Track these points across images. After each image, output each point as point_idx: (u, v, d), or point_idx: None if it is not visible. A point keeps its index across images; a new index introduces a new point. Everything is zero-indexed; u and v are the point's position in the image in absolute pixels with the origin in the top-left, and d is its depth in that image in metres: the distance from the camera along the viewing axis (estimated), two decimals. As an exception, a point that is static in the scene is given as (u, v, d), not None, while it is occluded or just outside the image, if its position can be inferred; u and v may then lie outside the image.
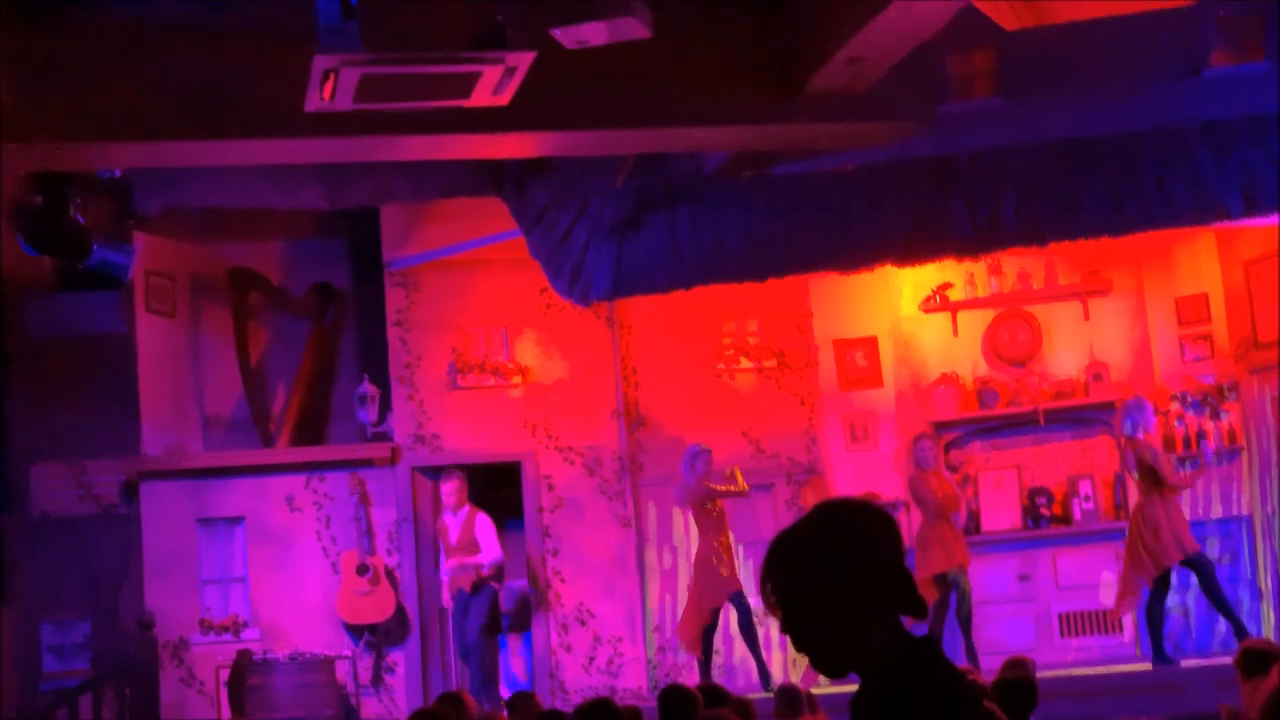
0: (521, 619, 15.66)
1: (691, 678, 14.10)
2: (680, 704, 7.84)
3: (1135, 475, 13.13)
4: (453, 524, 14.44)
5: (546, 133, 11.12)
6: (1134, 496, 13.73)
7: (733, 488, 13.97)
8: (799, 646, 3.19)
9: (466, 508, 14.45)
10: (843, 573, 3.12)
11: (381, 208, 15.05)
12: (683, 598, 15.00)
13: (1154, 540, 12.77)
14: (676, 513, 14.92)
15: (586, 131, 11.19)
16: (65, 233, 11.71)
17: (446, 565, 14.40)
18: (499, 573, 14.44)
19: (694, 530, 14.15)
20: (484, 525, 14.39)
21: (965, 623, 13.53)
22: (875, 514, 3.23)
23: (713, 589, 13.65)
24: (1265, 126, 11.93)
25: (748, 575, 14.85)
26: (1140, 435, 13.06)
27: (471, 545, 14.29)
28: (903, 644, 3.14)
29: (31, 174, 11.17)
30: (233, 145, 10.75)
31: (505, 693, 13.75)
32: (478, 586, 14.24)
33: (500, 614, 14.92)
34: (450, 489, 14.45)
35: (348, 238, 16.30)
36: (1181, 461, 14.15)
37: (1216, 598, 12.75)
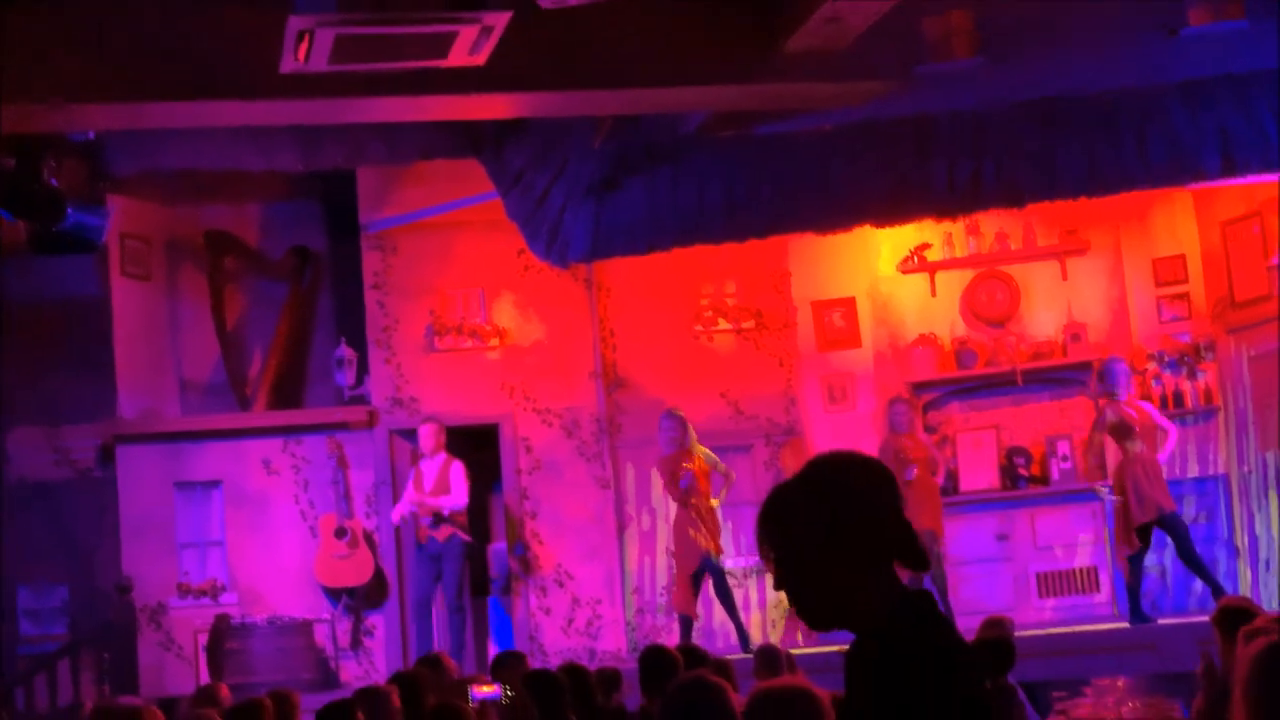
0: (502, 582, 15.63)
1: (671, 640, 14.11)
2: (660, 665, 7.85)
3: (1112, 437, 13.14)
4: (428, 469, 14.31)
5: (524, 94, 11.07)
6: (1113, 452, 13.79)
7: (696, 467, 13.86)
8: (793, 604, 3.18)
9: (443, 454, 14.35)
10: (834, 530, 3.10)
11: (358, 170, 14.98)
12: (662, 560, 15.02)
13: (1125, 502, 12.80)
14: (655, 474, 14.91)
15: (564, 92, 11.14)
16: (39, 196, 11.64)
17: (406, 498, 14.30)
18: (468, 527, 14.32)
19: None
20: (458, 472, 14.28)
21: (941, 588, 13.53)
22: (869, 468, 3.22)
23: (686, 554, 13.61)
24: (1243, 86, 11.92)
25: (727, 538, 14.86)
26: (1124, 396, 13.06)
27: (443, 491, 14.21)
28: (898, 602, 3.13)
29: (4, 137, 11.09)
30: (207, 107, 10.69)
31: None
32: (449, 539, 14.13)
33: (488, 576, 14.90)
34: (429, 432, 14.36)
35: (324, 200, 16.22)
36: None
37: (1191, 559, 12.77)
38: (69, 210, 11.84)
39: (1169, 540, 13.13)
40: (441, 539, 14.13)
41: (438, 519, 14.14)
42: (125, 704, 7.81)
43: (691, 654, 8.44)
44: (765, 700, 3.86)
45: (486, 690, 6.79)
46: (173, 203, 15.66)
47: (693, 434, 13.69)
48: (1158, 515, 12.66)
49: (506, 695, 6.65)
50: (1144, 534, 12.77)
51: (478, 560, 14.61)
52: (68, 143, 11.79)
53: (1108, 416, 12.95)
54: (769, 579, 15.10)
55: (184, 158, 12.75)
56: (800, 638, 15.05)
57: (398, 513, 14.41)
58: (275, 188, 15.67)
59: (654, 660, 8.10)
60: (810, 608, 3.16)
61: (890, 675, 3.06)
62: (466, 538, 14.29)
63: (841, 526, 3.10)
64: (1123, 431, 12.87)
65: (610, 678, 8.66)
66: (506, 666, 9.38)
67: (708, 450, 13.80)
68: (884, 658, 3.09)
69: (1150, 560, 14.24)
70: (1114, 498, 13.01)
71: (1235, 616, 7.56)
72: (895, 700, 3.04)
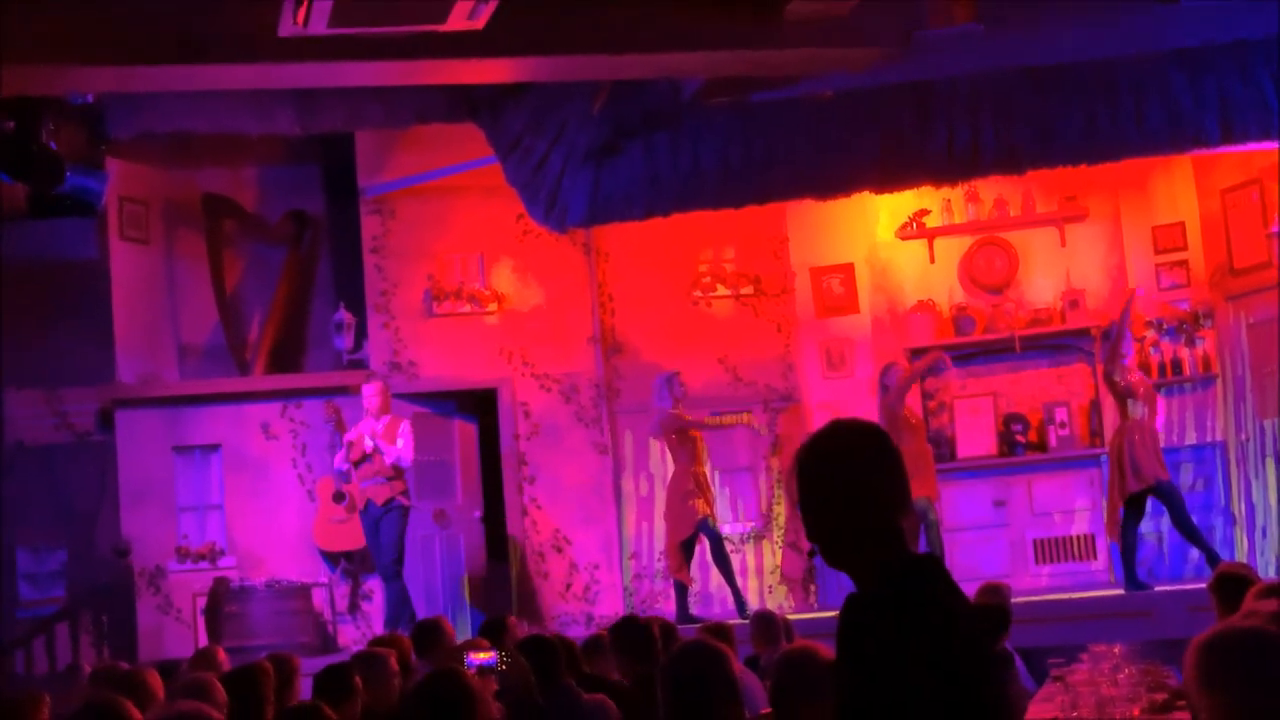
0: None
1: (668, 604, 14.16)
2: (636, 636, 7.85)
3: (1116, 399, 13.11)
4: (373, 430, 13.89)
5: (522, 58, 11.04)
6: (1110, 419, 13.80)
7: (709, 419, 13.92)
8: (819, 545, 3.39)
9: (389, 415, 14.01)
10: (848, 491, 3.32)
11: (356, 134, 14.97)
12: (659, 525, 15.04)
13: (1120, 467, 12.79)
14: (653, 440, 14.92)
15: (562, 57, 11.11)
16: (38, 159, 11.61)
17: (359, 476, 13.92)
18: (409, 493, 14.17)
19: (670, 457, 14.08)
20: (407, 428, 13.98)
21: (937, 554, 13.54)
22: (875, 438, 3.43)
23: (679, 520, 13.59)
24: (1243, 53, 11.90)
25: (724, 504, 14.90)
26: (1126, 361, 13.01)
27: (391, 444, 13.84)
28: (906, 563, 3.27)
29: (3, 99, 11.07)
30: (206, 70, 10.65)
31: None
32: (389, 504, 13.80)
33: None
34: (373, 390, 13.99)
35: (322, 164, 16.21)
36: (1156, 388, 14.18)
37: (1185, 527, 12.75)
38: (68, 173, 11.81)
39: (1164, 508, 13.14)
40: (380, 502, 13.76)
41: (390, 500, 13.80)
42: (125, 668, 7.84)
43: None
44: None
45: (483, 656, 6.80)
46: (171, 166, 15.64)
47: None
48: (1154, 483, 12.64)
49: (503, 660, 6.67)
50: (1137, 502, 12.75)
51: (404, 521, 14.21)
52: (67, 106, 11.75)
53: (1117, 378, 12.88)
54: (766, 544, 15.17)
55: (182, 121, 12.73)
56: (793, 603, 15.10)
57: (340, 453, 14.00)
58: (273, 151, 15.64)
59: (629, 631, 8.10)
60: (828, 552, 3.37)
61: (893, 635, 3.11)
62: (407, 503, 13.98)
63: (870, 479, 3.34)
64: (1128, 394, 12.83)
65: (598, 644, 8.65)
66: (497, 632, 9.38)
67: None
68: (887, 617, 3.15)
69: (1147, 527, 14.25)
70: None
71: (1232, 583, 7.58)
72: (897, 660, 3.08)
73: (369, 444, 13.75)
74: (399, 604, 13.79)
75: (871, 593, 3.25)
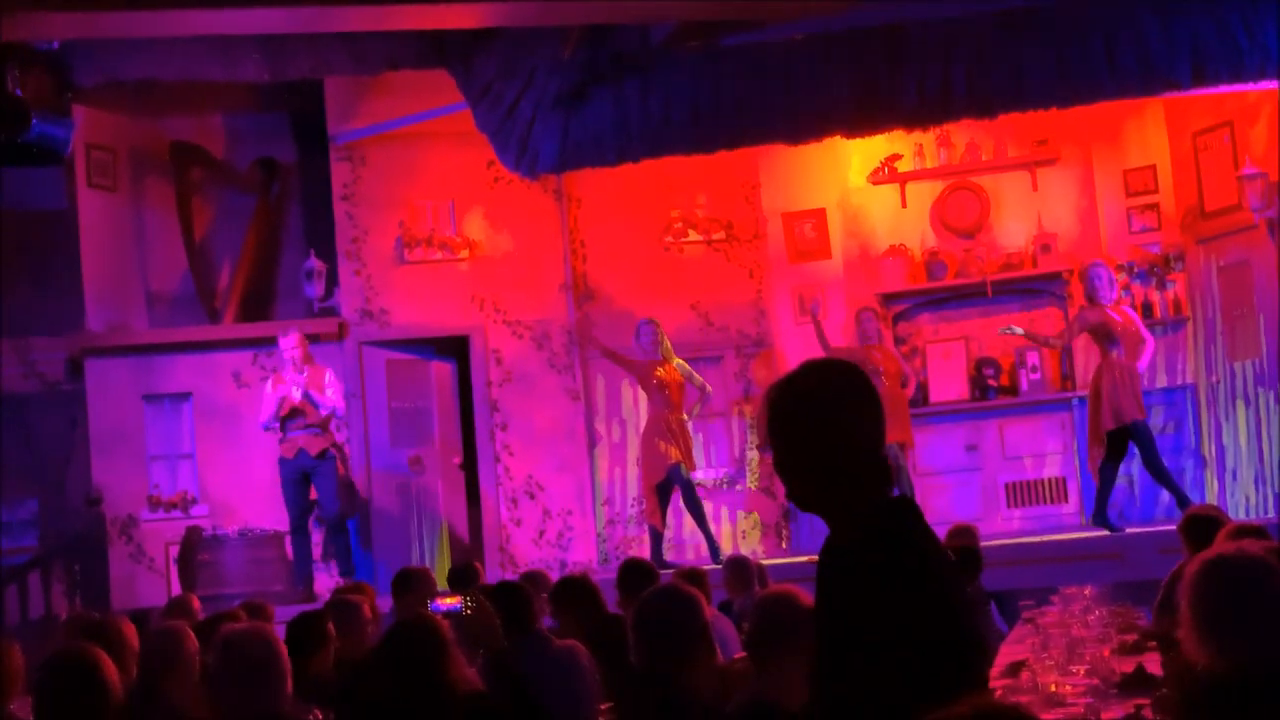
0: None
1: (642, 550, 14.18)
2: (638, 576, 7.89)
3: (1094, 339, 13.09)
4: (297, 380, 13.65)
5: (492, 3, 11.00)
6: (1082, 363, 13.83)
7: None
8: (787, 487, 3.37)
9: (311, 365, 13.80)
10: (823, 430, 3.28)
11: (325, 80, 14.86)
12: (633, 471, 15.05)
13: (1097, 405, 12.82)
14: (625, 385, 14.92)
15: (532, 2, 11.06)
16: (3, 106, 11.53)
17: (290, 428, 13.68)
18: (338, 449, 14.08)
19: (644, 402, 14.08)
20: (334, 378, 13.87)
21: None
22: (851, 375, 3.39)
23: (651, 464, 13.59)
24: (1215, -5, 11.89)
25: (699, 451, 14.88)
26: (1108, 299, 12.97)
27: (313, 407, 13.64)
28: (886, 502, 3.27)
29: (-33, 46, 10.99)
30: (172, 15, 10.59)
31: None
32: (323, 454, 13.68)
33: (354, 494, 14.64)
34: (293, 342, 13.72)
35: (291, 111, 16.11)
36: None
37: (1157, 469, 12.78)
38: (34, 121, 11.73)
39: (1135, 451, 13.18)
40: (314, 453, 13.62)
41: (324, 450, 13.70)
42: (96, 617, 7.82)
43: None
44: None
45: (448, 602, 6.77)
46: (138, 114, 15.53)
47: (668, 344, 13.66)
48: (1129, 422, 12.65)
49: (468, 607, 6.63)
50: (1115, 440, 12.76)
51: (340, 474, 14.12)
52: (32, 52, 11.67)
53: (1088, 318, 12.86)
54: (740, 485, 15.17)
55: (149, 68, 12.64)
56: (765, 549, 15.14)
57: (268, 408, 13.72)
58: (242, 98, 15.55)
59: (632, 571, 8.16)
60: (799, 494, 3.34)
61: (872, 579, 3.11)
62: (338, 454, 13.97)
63: (827, 429, 3.29)
64: (1103, 334, 12.82)
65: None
66: (465, 578, 9.39)
67: (684, 362, 13.79)
68: (867, 561, 3.14)
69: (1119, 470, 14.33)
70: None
71: (1202, 525, 7.62)
72: (877, 603, 3.08)
73: (297, 395, 13.60)
74: (348, 553, 13.81)
75: (849, 536, 3.23)
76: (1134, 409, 12.70)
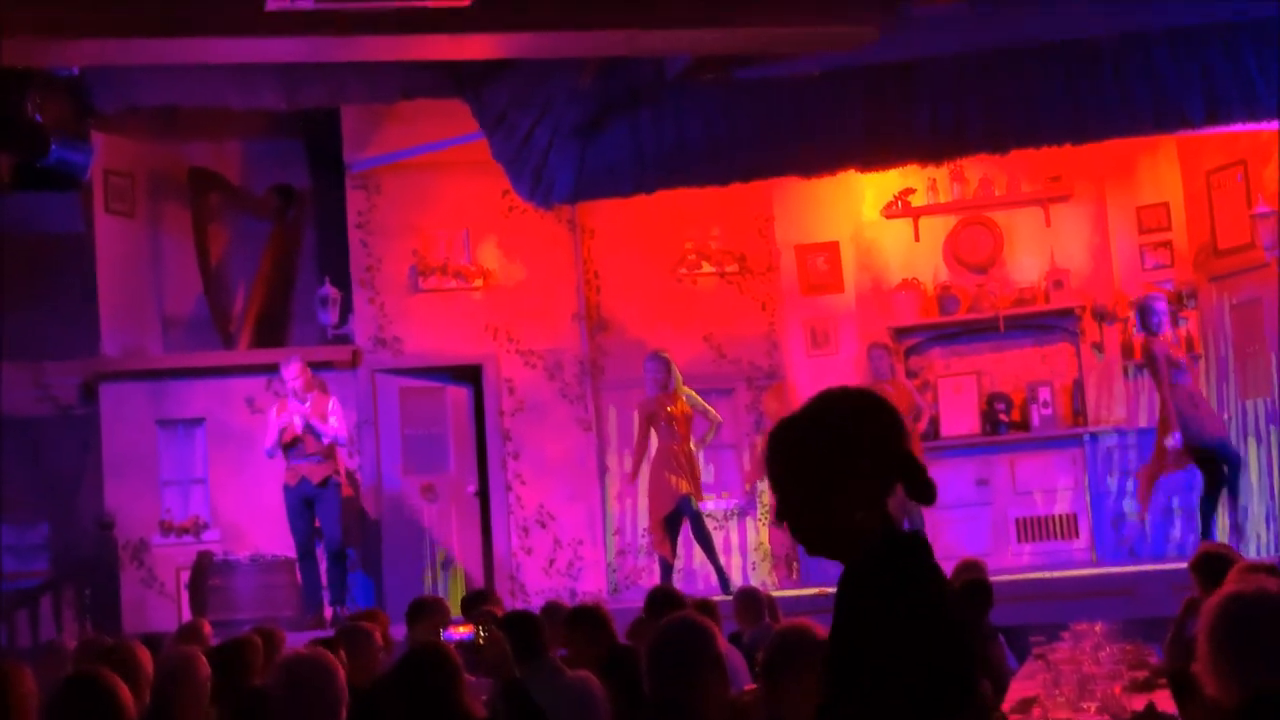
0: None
1: (652, 580, 14.18)
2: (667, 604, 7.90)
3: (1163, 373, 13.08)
4: (299, 410, 13.70)
5: (508, 34, 11.04)
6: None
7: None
8: (791, 528, 3.30)
9: (314, 392, 13.85)
10: (833, 461, 3.22)
11: (342, 108, 14.93)
12: (643, 502, 15.05)
13: (1164, 435, 12.83)
14: (637, 416, 14.95)
15: (548, 33, 11.11)
16: (23, 131, 11.59)
17: (292, 456, 13.73)
18: (349, 476, 14.07)
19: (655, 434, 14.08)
20: (336, 405, 13.89)
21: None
22: (874, 403, 3.32)
23: (659, 496, 13.60)
24: (1229, 34, 11.92)
25: (708, 481, 14.89)
26: (1162, 332, 12.98)
27: (315, 436, 13.69)
28: (889, 539, 3.21)
29: (-12, 71, 11.04)
30: (193, 44, 10.64)
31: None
32: (325, 482, 13.70)
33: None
34: (295, 370, 13.76)
35: (307, 138, 16.16)
36: (1140, 368, 14.22)
37: (1213, 499, 12.83)
38: (53, 146, 11.79)
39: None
40: (317, 480, 13.66)
41: (326, 479, 13.72)
42: (108, 641, 7.84)
43: (667, 597, 8.47)
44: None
45: (460, 631, 6.77)
46: (156, 139, 15.59)
47: (678, 376, 13.68)
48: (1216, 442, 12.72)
49: (480, 636, 6.62)
50: (1203, 463, 12.75)
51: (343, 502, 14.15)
52: (52, 78, 11.73)
53: (1157, 352, 12.85)
54: (750, 521, 15.18)
55: (168, 94, 12.71)
56: (777, 580, 15.13)
57: (270, 435, 13.76)
58: (259, 125, 15.62)
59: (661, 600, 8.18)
60: (805, 533, 3.28)
61: (868, 609, 3.12)
62: (342, 482, 13.99)
63: (841, 459, 3.22)
64: (1173, 366, 12.84)
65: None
66: (477, 606, 9.37)
67: (693, 393, 13.80)
68: (865, 592, 3.15)
69: (1130, 507, 14.36)
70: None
71: (1214, 563, 7.62)
72: (872, 633, 3.09)
73: (298, 425, 13.64)
74: (343, 583, 13.80)
75: (863, 570, 3.23)
76: (1220, 429, 12.76)
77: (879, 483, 3.25)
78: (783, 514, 3.31)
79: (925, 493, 3.26)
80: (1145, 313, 13.04)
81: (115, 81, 12.32)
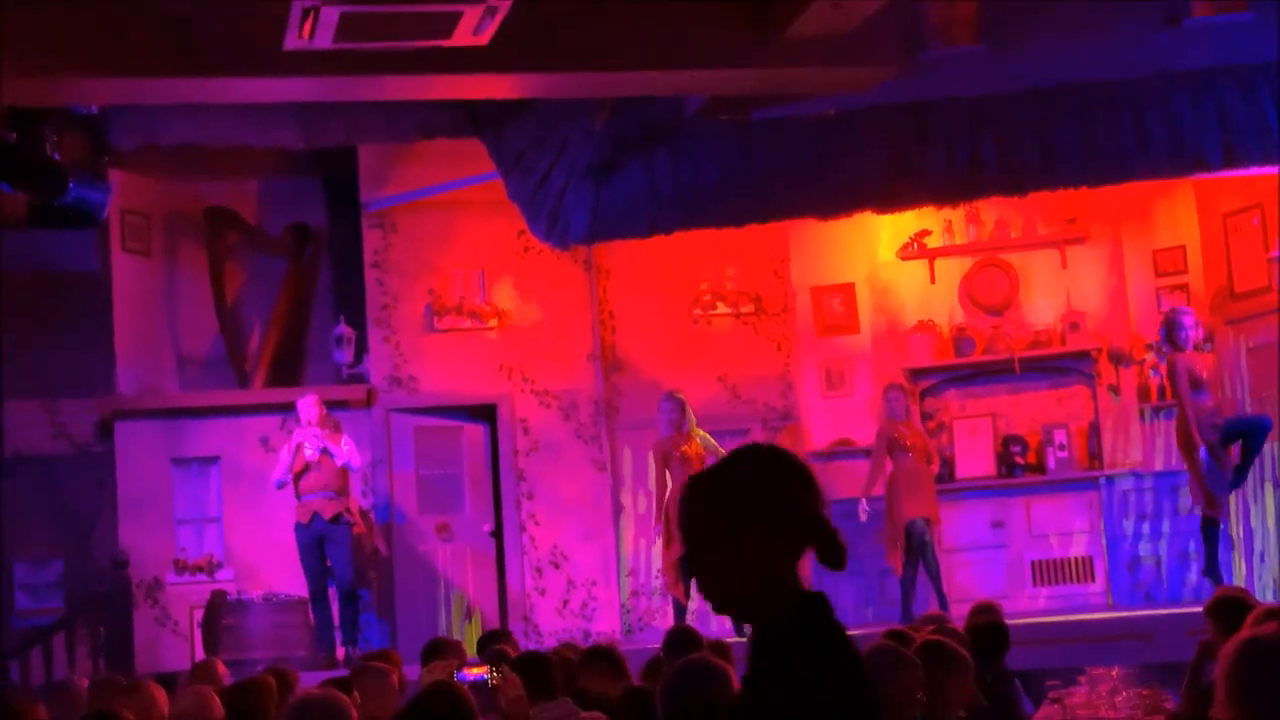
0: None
1: (665, 621, 14.14)
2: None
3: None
4: (314, 443, 13.70)
5: (526, 74, 11.07)
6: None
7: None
8: (700, 586, 3.21)
9: (328, 430, 13.84)
10: (747, 517, 3.13)
11: (359, 147, 14.97)
12: (657, 542, 15.01)
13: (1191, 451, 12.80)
14: (652, 457, 14.93)
15: (566, 73, 11.14)
16: (41, 169, 11.63)
17: (304, 489, 13.67)
18: (363, 515, 14.02)
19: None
20: (349, 440, 13.88)
21: (934, 575, 13.52)
22: (784, 461, 3.21)
23: (674, 536, 13.55)
24: (1246, 77, 11.93)
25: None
26: (1189, 348, 12.96)
27: (331, 471, 13.67)
28: (794, 602, 3.13)
29: (7, 109, 11.08)
30: (211, 83, 10.68)
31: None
32: (337, 519, 13.65)
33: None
34: (310, 402, 13.81)
35: (324, 177, 16.22)
36: (1156, 411, 14.19)
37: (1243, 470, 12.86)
38: (70, 184, 11.83)
39: (1163, 529, 13.13)
40: (328, 516, 13.62)
41: (338, 515, 13.66)
42: (122, 680, 7.83)
43: (685, 636, 8.44)
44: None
45: (474, 672, 6.75)
46: (173, 178, 15.65)
47: (692, 417, 13.66)
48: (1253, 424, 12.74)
49: (493, 676, 6.60)
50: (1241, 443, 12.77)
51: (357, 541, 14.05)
52: (70, 116, 11.78)
53: (1179, 368, 12.85)
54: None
55: (185, 133, 12.75)
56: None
57: (282, 462, 13.76)
58: (276, 164, 15.67)
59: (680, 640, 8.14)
60: (715, 592, 3.18)
61: (774, 666, 3.07)
62: (354, 520, 13.91)
63: (757, 512, 3.13)
64: (1195, 383, 12.82)
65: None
66: (492, 647, 9.34)
67: (706, 434, 13.78)
68: (775, 655, 3.09)
69: (1145, 550, 14.31)
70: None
71: (1230, 606, 7.58)
72: (781, 698, 3.04)
73: (310, 450, 13.61)
74: (355, 624, 13.74)
75: (773, 634, 3.14)
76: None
77: (790, 544, 3.14)
78: (693, 571, 3.23)
79: (836, 557, 3.16)
80: (1173, 327, 13.01)
81: (133, 120, 12.37)
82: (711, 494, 3.19)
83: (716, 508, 3.16)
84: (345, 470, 13.78)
